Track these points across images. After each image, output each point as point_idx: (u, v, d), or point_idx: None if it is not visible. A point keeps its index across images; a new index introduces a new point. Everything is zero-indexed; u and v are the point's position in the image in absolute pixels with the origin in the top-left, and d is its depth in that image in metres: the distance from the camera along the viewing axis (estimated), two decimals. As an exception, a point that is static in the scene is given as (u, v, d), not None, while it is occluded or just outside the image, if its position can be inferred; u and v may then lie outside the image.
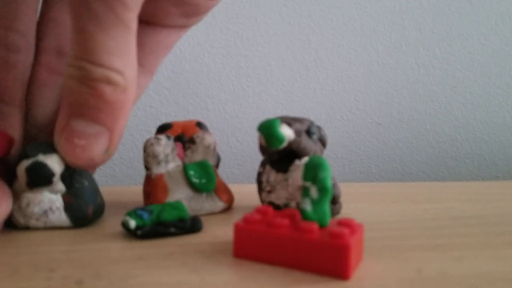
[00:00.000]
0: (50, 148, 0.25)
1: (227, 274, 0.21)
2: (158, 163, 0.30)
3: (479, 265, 0.22)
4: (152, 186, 0.30)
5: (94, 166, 0.23)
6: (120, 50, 0.18)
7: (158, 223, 0.26)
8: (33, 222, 0.26)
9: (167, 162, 0.30)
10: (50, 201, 0.26)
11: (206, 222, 0.28)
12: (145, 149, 0.30)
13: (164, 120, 0.50)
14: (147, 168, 0.31)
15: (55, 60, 0.25)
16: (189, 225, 0.26)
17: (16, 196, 0.26)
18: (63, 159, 0.24)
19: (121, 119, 0.20)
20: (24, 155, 0.25)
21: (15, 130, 0.24)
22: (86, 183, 0.27)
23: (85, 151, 0.21)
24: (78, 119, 0.20)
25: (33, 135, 0.25)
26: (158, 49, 0.25)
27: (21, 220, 0.26)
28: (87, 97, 0.19)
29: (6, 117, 0.23)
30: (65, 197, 0.26)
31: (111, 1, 0.17)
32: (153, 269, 0.21)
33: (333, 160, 0.54)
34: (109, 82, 0.19)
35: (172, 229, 0.26)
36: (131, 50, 0.19)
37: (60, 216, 0.26)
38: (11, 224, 0.27)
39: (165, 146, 0.30)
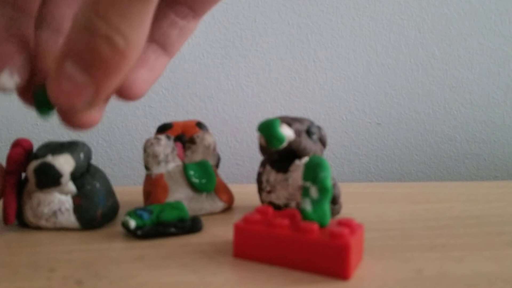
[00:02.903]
0: (60, 149, 0.25)
1: (227, 274, 0.21)
2: (158, 163, 0.30)
3: (479, 265, 0.22)
4: (152, 186, 0.30)
5: (75, 114, 0.23)
6: (133, 15, 0.19)
7: (158, 223, 0.26)
8: (43, 223, 0.26)
9: (167, 162, 0.30)
10: (60, 202, 0.26)
11: (206, 222, 0.28)
12: (145, 149, 0.30)
13: (164, 120, 0.50)
14: (147, 168, 0.31)
15: None
16: (189, 225, 0.26)
17: (28, 196, 0.26)
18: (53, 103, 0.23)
19: (111, 79, 0.21)
20: (33, 156, 0.25)
21: (30, 40, 0.24)
22: (97, 185, 0.27)
23: (68, 96, 0.21)
24: (72, 63, 0.21)
25: (52, 39, 0.25)
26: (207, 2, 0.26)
27: (32, 219, 0.26)
28: (85, 47, 0.20)
29: (22, 26, 0.23)
30: (75, 198, 0.26)
31: None
32: (153, 269, 0.21)
33: (333, 160, 0.54)
34: (109, 41, 0.19)
35: (172, 229, 0.26)
36: (144, 20, 0.20)
37: (69, 218, 0.26)
38: (23, 224, 0.27)
39: (165, 146, 0.30)
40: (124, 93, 0.25)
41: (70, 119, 0.23)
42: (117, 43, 0.19)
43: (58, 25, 0.25)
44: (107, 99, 0.23)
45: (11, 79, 0.23)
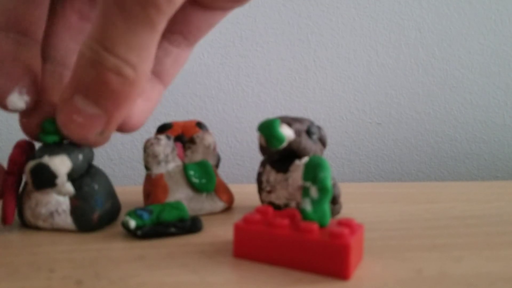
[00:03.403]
0: (57, 150, 0.25)
1: (227, 274, 0.21)
2: (158, 163, 0.30)
3: (479, 265, 0.22)
4: (152, 186, 0.30)
5: (87, 144, 0.24)
6: (140, 46, 0.19)
7: (158, 223, 0.26)
8: (40, 223, 0.26)
9: (167, 162, 0.30)
10: (57, 203, 0.26)
11: (206, 222, 0.28)
12: (145, 149, 0.30)
13: (164, 120, 0.50)
14: (147, 168, 0.31)
15: (87, 7, 0.26)
16: (189, 225, 0.26)
17: (28, 196, 0.26)
18: (63, 134, 0.24)
19: (122, 109, 0.21)
20: (32, 156, 0.26)
21: (37, 63, 0.24)
22: (96, 186, 0.27)
23: (80, 128, 0.22)
24: (81, 97, 0.21)
25: (57, 72, 0.25)
26: (202, 27, 0.26)
27: (31, 219, 0.26)
28: (94, 81, 0.20)
29: (29, 50, 0.23)
30: (72, 200, 0.26)
31: (145, 1, 0.18)
32: (153, 269, 0.21)
33: (333, 160, 0.54)
34: (119, 73, 0.19)
35: (172, 229, 0.26)
36: (151, 48, 0.20)
37: (65, 219, 0.26)
38: (24, 223, 0.27)
39: (165, 146, 0.30)
40: (122, 126, 0.25)
41: (72, 131, 0.23)
42: (126, 74, 0.19)
43: (63, 58, 0.25)
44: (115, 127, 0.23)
45: (21, 98, 0.23)
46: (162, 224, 0.26)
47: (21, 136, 0.27)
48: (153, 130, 0.33)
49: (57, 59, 0.25)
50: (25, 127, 0.25)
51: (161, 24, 0.19)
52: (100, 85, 0.20)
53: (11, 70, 0.23)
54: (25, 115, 0.25)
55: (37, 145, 0.27)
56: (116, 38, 0.19)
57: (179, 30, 0.25)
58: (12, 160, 0.26)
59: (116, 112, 0.21)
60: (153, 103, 0.27)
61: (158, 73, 0.26)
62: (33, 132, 0.26)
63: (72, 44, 0.25)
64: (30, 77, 0.23)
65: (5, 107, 0.23)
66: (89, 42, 0.19)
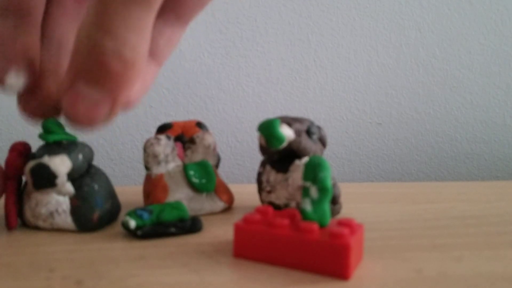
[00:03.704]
0: (57, 149, 0.25)
1: (227, 274, 0.21)
2: (158, 163, 0.30)
3: (479, 265, 0.22)
4: (152, 186, 0.30)
5: (94, 128, 0.23)
6: (138, 26, 0.19)
7: (158, 223, 0.26)
8: (40, 223, 0.26)
9: (167, 162, 0.30)
10: (57, 203, 0.26)
11: (206, 222, 0.28)
12: (145, 149, 0.30)
13: (164, 120, 0.50)
14: (147, 168, 0.31)
15: None
16: (189, 225, 0.26)
17: (28, 196, 0.26)
18: (67, 120, 0.24)
19: (125, 90, 0.21)
20: (31, 156, 0.26)
21: (35, 45, 0.24)
22: (96, 186, 0.26)
23: (86, 113, 0.22)
24: (83, 83, 0.21)
25: (54, 55, 0.25)
26: (195, 6, 0.26)
27: (30, 219, 0.26)
28: (94, 66, 0.20)
29: (28, 32, 0.24)
30: (72, 200, 0.26)
31: None
32: (153, 269, 0.21)
33: (333, 160, 0.54)
34: (120, 56, 0.19)
35: (172, 229, 0.26)
36: (148, 28, 0.20)
37: (65, 219, 0.26)
38: (24, 223, 0.27)
39: (165, 146, 0.30)
40: None
41: (79, 117, 0.23)
42: (127, 56, 0.19)
43: (59, 40, 0.25)
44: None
45: (17, 79, 0.23)
46: (162, 224, 0.26)
47: (21, 136, 0.27)
48: (153, 130, 0.33)
49: (53, 42, 0.25)
50: (23, 111, 0.25)
51: (158, 2, 0.19)
52: (101, 70, 0.20)
53: (9, 52, 0.23)
54: (23, 98, 0.25)
55: (34, 145, 0.27)
56: (114, 20, 0.19)
57: (172, 10, 0.25)
58: (9, 164, 0.26)
59: (120, 94, 0.21)
60: (148, 83, 0.27)
61: (152, 54, 0.26)
62: (30, 115, 0.25)
63: (68, 27, 0.25)
64: (28, 58, 0.24)
65: (2, 88, 0.23)
66: (86, 27, 0.19)
